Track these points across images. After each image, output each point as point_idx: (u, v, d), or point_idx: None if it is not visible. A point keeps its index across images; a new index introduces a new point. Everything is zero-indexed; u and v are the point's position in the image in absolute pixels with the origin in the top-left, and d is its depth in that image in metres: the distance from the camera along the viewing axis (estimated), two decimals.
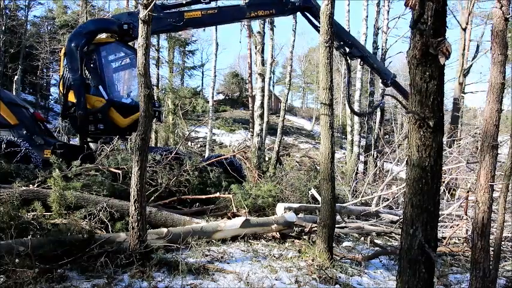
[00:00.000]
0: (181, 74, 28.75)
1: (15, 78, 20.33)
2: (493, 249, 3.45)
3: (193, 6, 9.00)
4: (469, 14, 18.61)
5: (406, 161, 2.64)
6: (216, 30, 19.83)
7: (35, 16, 30.18)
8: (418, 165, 2.44)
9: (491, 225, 3.48)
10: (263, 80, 14.88)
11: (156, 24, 7.64)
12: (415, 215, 2.46)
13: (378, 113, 19.38)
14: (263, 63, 15.31)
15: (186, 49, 28.20)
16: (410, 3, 2.38)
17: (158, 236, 4.44)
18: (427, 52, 2.33)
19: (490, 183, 3.27)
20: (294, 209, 6.17)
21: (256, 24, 15.94)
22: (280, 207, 6.17)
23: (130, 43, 8.92)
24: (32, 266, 3.31)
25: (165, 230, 4.59)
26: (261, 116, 14.61)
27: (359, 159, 16.92)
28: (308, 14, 9.33)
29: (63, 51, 8.45)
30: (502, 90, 3.35)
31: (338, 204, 6.67)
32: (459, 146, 9.08)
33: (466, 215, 6.57)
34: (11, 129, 7.70)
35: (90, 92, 8.08)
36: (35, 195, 4.87)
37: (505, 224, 3.76)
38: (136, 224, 3.93)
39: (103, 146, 7.16)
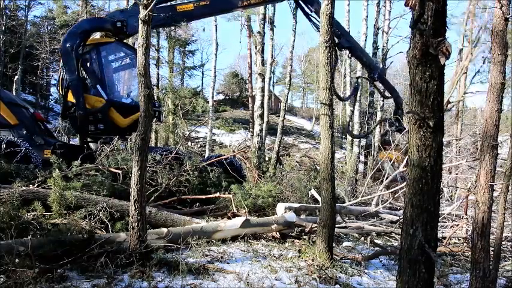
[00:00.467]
0: (181, 74, 28.74)
1: (15, 78, 20.33)
2: (493, 249, 3.45)
3: None
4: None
5: (406, 161, 2.64)
6: (216, 30, 19.84)
7: (35, 16, 30.20)
8: (418, 165, 2.44)
9: (491, 225, 3.48)
10: (263, 80, 14.87)
11: (153, 20, 7.65)
12: (415, 215, 2.46)
13: (379, 113, 19.38)
14: (263, 63, 15.31)
15: (186, 49, 28.20)
16: (410, 3, 2.38)
17: (158, 236, 4.44)
18: (427, 52, 2.33)
19: (490, 183, 3.27)
20: (294, 209, 6.17)
21: (256, 24, 15.96)
22: (280, 207, 6.17)
23: (128, 43, 8.92)
24: (32, 266, 3.31)
25: (165, 230, 4.59)
26: (261, 116, 14.61)
27: (359, 159, 16.91)
28: (301, 1, 9.32)
29: None
30: (502, 90, 3.35)
31: (338, 204, 6.67)
32: (459, 146, 9.09)
33: (466, 215, 6.57)
34: (11, 129, 7.70)
35: (89, 92, 8.08)
36: (35, 195, 4.87)
37: (505, 224, 3.76)
38: (136, 224, 3.93)
39: (103, 146, 7.16)
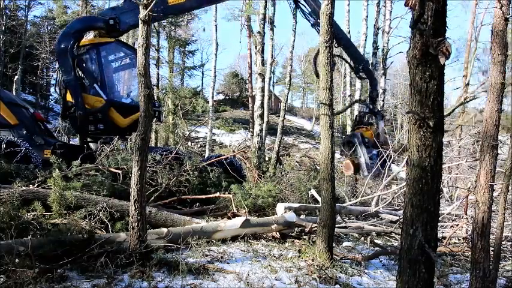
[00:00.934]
0: (181, 74, 28.74)
1: (15, 78, 20.34)
2: (493, 249, 3.45)
3: None
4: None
5: (406, 161, 2.64)
6: (216, 30, 19.84)
7: (35, 16, 30.20)
8: (418, 165, 2.44)
9: (491, 225, 3.48)
10: (263, 80, 14.87)
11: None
12: (415, 215, 2.46)
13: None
14: (263, 63, 15.30)
15: (186, 49, 28.20)
16: (410, 3, 2.38)
17: (158, 236, 4.44)
18: (427, 52, 2.33)
19: (490, 183, 3.27)
20: (294, 209, 6.17)
21: (256, 24, 15.95)
22: (280, 207, 6.17)
23: (129, 43, 8.92)
24: (32, 266, 3.31)
25: (165, 230, 4.59)
26: (261, 116, 14.61)
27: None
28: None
29: None
30: (502, 90, 3.35)
31: (338, 205, 6.67)
32: (459, 146, 9.10)
33: (466, 215, 6.57)
34: (11, 129, 7.70)
35: (89, 92, 8.09)
36: (35, 195, 4.87)
37: (505, 224, 3.76)
38: (136, 224, 3.93)
39: (103, 146, 7.16)
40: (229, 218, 5.69)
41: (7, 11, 24.72)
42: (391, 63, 17.89)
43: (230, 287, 3.72)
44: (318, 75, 8.76)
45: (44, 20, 28.42)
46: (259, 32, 15.24)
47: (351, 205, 7.65)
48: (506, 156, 3.59)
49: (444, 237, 6.36)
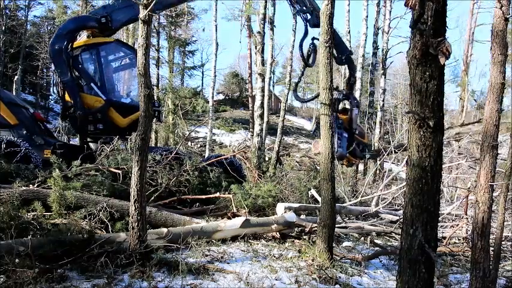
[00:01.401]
0: (181, 74, 28.72)
1: (15, 78, 20.34)
2: (493, 249, 3.45)
3: None
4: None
5: (406, 161, 2.64)
6: (216, 30, 19.82)
7: (35, 16, 30.23)
8: (418, 165, 2.44)
9: (491, 225, 3.48)
10: (263, 80, 14.87)
11: (134, 11, 7.71)
12: (415, 215, 2.46)
13: (379, 113, 19.37)
14: (263, 63, 15.30)
15: (186, 49, 28.17)
16: (410, 3, 2.38)
17: (158, 236, 4.44)
18: (427, 52, 2.33)
19: (490, 183, 3.27)
20: (294, 209, 6.17)
21: (256, 24, 15.95)
22: (280, 207, 6.17)
23: (129, 43, 8.91)
24: (32, 266, 3.31)
25: (165, 230, 4.59)
26: (261, 116, 14.60)
27: None
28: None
29: None
30: (502, 90, 3.35)
31: (338, 205, 6.67)
32: (459, 146, 9.10)
33: (466, 215, 6.57)
34: (11, 129, 7.70)
35: (88, 92, 8.09)
36: (35, 195, 4.86)
37: (505, 224, 3.76)
38: (136, 224, 3.93)
39: (103, 146, 7.16)
40: (229, 218, 5.69)
41: (7, 11, 24.73)
42: (391, 63, 17.92)
43: (230, 287, 3.72)
44: (305, 61, 8.73)
45: (44, 20, 28.44)
46: (259, 32, 15.24)
47: (351, 205, 7.65)
48: (506, 156, 3.59)
49: (444, 237, 6.36)
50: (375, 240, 6.29)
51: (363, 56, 17.72)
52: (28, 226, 4.19)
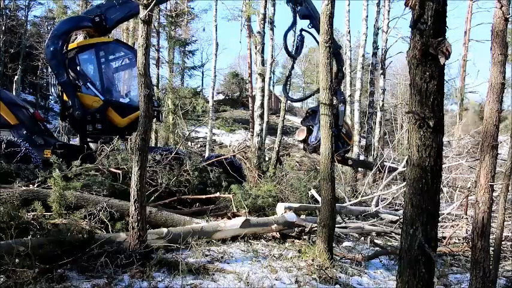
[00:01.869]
0: (181, 74, 28.68)
1: (15, 78, 20.33)
2: (493, 249, 3.45)
3: None
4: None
5: (406, 160, 2.64)
6: (216, 30, 19.81)
7: (35, 16, 30.23)
8: (418, 165, 2.44)
9: (491, 225, 3.48)
10: (263, 80, 14.85)
11: (128, 8, 7.70)
12: (415, 215, 2.46)
13: (379, 113, 19.37)
14: (263, 63, 15.28)
15: (186, 49, 28.12)
16: (410, 3, 2.38)
17: (158, 236, 4.44)
18: (427, 52, 2.33)
19: (490, 183, 3.27)
20: (294, 209, 6.17)
21: (256, 24, 15.93)
22: (280, 207, 6.17)
23: (129, 43, 8.91)
24: (32, 266, 3.31)
25: (165, 230, 4.59)
26: (261, 116, 14.59)
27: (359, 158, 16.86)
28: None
29: None
30: (502, 90, 3.35)
31: (338, 205, 6.67)
32: (459, 146, 9.09)
33: (466, 215, 6.57)
34: (11, 129, 7.70)
35: (87, 92, 8.09)
36: (35, 195, 4.86)
37: (505, 224, 3.75)
38: (137, 224, 3.93)
39: (103, 146, 7.16)
40: (229, 218, 5.69)
41: (7, 11, 24.73)
42: (390, 62, 17.90)
43: (230, 287, 3.72)
44: (288, 52, 8.65)
45: (44, 20, 28.44)
46: (259, 32, 15.22)
47: (351, 205, 7.65)
48: (506, 156, 3.59)
49: (444, 237, 6.35)
50: (375, 240, 6.29)
51: (363, 56, 17.71)
52: (28, 226, 4.19)
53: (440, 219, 6.22)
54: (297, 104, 49.50)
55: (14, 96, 9.82)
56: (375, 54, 17.07)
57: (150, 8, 3.84)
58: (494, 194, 3.94)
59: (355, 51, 24.29)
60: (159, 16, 20.62)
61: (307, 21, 9.33)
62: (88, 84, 8.06)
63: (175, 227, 4.92)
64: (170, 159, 6.87)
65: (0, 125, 7.64)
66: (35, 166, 6.28)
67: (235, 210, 6.00)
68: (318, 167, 9.79)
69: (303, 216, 6.37)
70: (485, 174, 3.29)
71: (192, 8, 25.98)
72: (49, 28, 27.04)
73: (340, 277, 4.33)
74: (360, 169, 15.70)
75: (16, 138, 7.03)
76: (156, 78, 21.07)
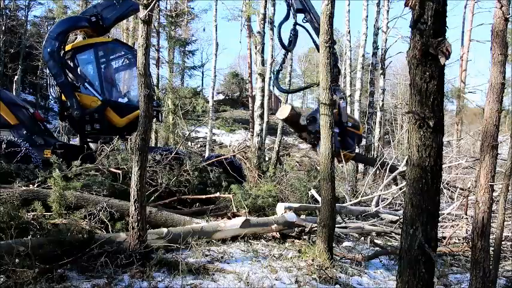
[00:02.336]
0: (181, 74, 28.67)
1: (15, 78, 20.33)
2: (493, 249, 3.45)
3: None
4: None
5: (406, 160, 2.64)
6: (216, 30, 19.81)
7: (35, 16, 30.23)
8: (418, 165, 2.44)
9: (491, 225, 3.47)
10: (263, 80, 14.86)
11: (125, 7, 7.69)
12: (415, 215, 2.45)
13: (379, 113, 19.37)
14: (263, 63, 15.28)
15: (186, 49, 28.11)
16: (410, 3, 2.37)
17: (158, 236, 4.44)
18: (427, 52, 2.33)
19: (490, 183, 3.27)
20: (294, 209, 6.17)
21: (256, 24, 15.93)
22: (280, 207, 6.17)
23: (128, 42, 8.91)
24: (32, 266, 3.31)
25: (165, 230, 4.59)
26: (261, 116, 14.59)
27: None
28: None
29: None
30: (502, 90, 3.35)
31: (338, 205, 6.66)
32: (459, 146, 9.08)
33: (466, 215, 6.56)
34: (11, 129, 7.70)
35: (85, 92, 8.09)
36: (35, 195, 4.86)
37: (505, 224, 3.75)
38: (137, 224, 3.93)
39: (103, 146, 7.16)
40: (229, 218, 5.69)
41: (7, 11, 24.72)
42: (390, 62, 17.90)
43: (230, 287, 3.72)
44: (283, 45, 8.62)
45: (44, 20, 28.44)
46: (259, 32, 15.22)
47: (351, 205, 7.65)
48: (506, 156, 3.59)
49: (444, 237, 6.35)
50: (375, 240, 6.29)
51: (363, 56, 17.71)
52: (28, 226, 4.19)
53: (440, 219, 6.22)
54: (297, 104, 49.46)
55: (14, 96, 9.82)
56: (374, 54, 17.08)
57: (150, 8, 3.84)
58: (494, 194, 3.95)
59: (355, 51, 24.31)
60: (159, 16, 20.62)
61: (302, 15, 9.24)
62: (86, 84, 8.07)
63: (175, 227, 4.92)
64: (170, 159, 6.87)
65: (0, 125, 7.64)
66: (35, 166, 6.28)
67: (235, 210, 6.00)
68: (318, 167, 9.77)
69: (303, 216, 6.37)
70: (485, 174, 3.29)
71: (192, 8, 25.98)
72: (49, 28, 27.04)
73: (340, 277, 4.33)
74: (360, 169, 15.71)
75: (16, 138, 7.03)
76: (156, 78, 21.06)
